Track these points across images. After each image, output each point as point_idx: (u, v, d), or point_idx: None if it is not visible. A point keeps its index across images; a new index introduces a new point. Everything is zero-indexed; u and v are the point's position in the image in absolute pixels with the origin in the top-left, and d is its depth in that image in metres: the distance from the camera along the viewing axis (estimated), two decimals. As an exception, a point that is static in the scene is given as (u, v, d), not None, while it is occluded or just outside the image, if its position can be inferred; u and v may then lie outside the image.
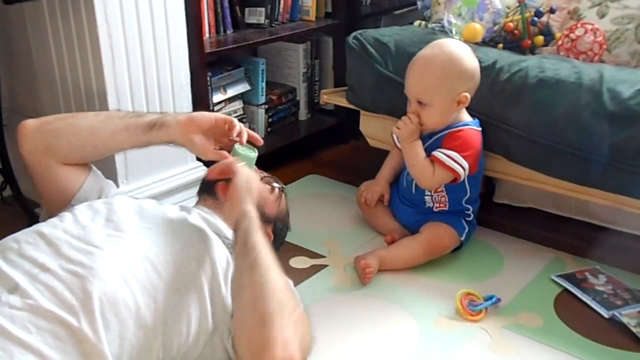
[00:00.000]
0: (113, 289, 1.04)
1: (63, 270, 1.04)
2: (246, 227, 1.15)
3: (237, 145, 1.54)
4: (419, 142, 1.72)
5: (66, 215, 1.19)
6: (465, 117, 1.74)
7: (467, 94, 1.66)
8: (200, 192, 1.54)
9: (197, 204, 1.48)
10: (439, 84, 1.64)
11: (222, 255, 1.21)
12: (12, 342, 0.93)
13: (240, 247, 1.13)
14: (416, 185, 1.78)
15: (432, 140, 1.73)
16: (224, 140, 1.35)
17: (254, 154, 1.54)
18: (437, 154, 1.69)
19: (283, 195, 1.58)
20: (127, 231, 1.16)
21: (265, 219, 1.50)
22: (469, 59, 1.66)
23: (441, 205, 1.78)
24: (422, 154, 1.71)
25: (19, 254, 1.08)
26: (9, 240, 1.13)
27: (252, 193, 1.24)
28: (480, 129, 1.73)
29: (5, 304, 0.98)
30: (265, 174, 1.58)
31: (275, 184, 1.57)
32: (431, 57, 1.67)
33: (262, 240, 1.13)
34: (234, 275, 1.15)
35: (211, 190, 1.48)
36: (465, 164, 1.67)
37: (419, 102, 1.68)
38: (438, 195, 1.78)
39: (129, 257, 1.11)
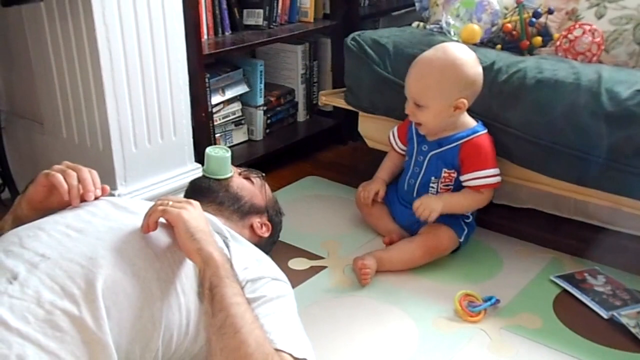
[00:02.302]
0: (114, 278, 1.04)
1: (64, 259, 1.04)
2: (210, 278, 1.07)
3: (208, 149, 1.55)
4: (444, 196, 1.73)
5: (67, 212, 1.19)
6: (469, 120, 1.74)
7: (465, 100, 1.65)
8: (186, 197, 1.54)
9: None
10: (436, 87, 1.64)
11: None
12: (11, 333, 0.93)
13: (207, 303, 1.07)
14: (419, 188, 1.79)
15: (444, 150, 1.73)
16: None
17: (227, 154, 1.55)
18: (473, 182, 1.71)
19: (265, 183, 1.61)
20: (129, 224, 1.16)
21: (257, 210, 1.53)
22: (472, 65, 1.65)
23: None
24: (457, 199, 1.73)
25: (20, 245, 1.08)
26: (10, 234, 1.13)
27: (201, 232, 1.12)
28: (486, 130, 1.74)
29: (5, 294, 0.98)
30: (242, 169, 1.60)
31: (253, 175, 1.60)
32: (432, 60, 1.66)
33: (230, 292, 1.06)
34: (206, 334, 1.09)
35: (196, 192, 1.49)
36: (497, 170, 1.71)
37: (416, 104, 1.68)
38: None
39: (129, 247, 1.11)
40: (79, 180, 1.20)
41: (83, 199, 1.21)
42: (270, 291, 1.20)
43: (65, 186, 1.18)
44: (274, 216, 1.61)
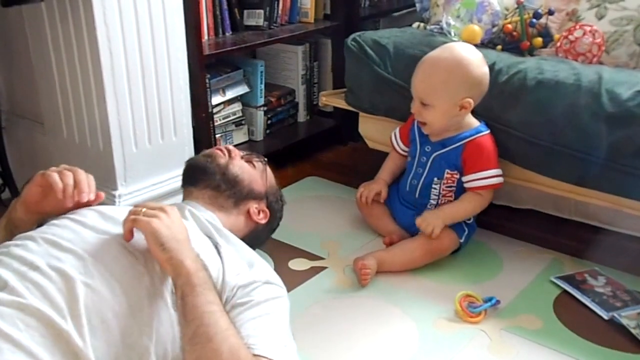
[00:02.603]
0: (100, 295, 1.03)
1: (52, 269, 1.03)
2: (182, 287, 1.06)
3: None
4: (445, 209, 1.73)
5: (55, 222, 1.18)
6: (472, 120, 1.74)
7: (471, 100, 1.65)
8: (183, 185, 1.51)
9: (185, 198, 1.48)
10: (442, 87, 1.64)
11: (211, 262, 1.18)
12: (2, 339, 0.93)
13: (179, 313, 1.06)
14: (421, 189, 1.79)
15: (447, 150, 1.73)
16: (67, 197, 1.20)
17: None
18: (475, 183, 1.71)
19: (267, 168, 1.58)
20: (116, 236, 1.15)
21: (255, 196, 1.50)
22: (478, 66, 1.65)
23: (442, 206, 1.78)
24: (457, 207, 1.73)
25: (7, 254, 1.07)
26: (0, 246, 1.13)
27: (173, 240, 1.10)
28: (489, 130, 1.73)
29: None
30: (245, 152, 1.57)
31: (256, 159, 1.56)
32: (439, 59, 1.66)
33: (201, 300, 1.04)
34: (181, 344, 1.09)
35: (192, 176, 1.47)
36: (499, 171, 1.72)
37: (422, 103, 1.68)
38: (445, 199, 1.78)
39: (117, 263, 1.09)
40: (75, 181, 1.20)
41: (77, 202, 1.20)
42: (259, 295, 1.19)
43: (60, 185, 1.17)
44: (274, 203, 1.57)
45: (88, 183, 1.22)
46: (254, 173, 1.53)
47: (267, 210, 1.53)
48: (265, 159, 1.61)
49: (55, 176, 1.18)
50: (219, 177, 1.45)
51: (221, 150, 1.52)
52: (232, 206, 1.45)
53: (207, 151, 1.54)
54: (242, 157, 1.54)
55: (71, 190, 1.19)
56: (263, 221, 1.51)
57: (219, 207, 1.43)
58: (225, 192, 1.44)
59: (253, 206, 1.49)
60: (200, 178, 1.45)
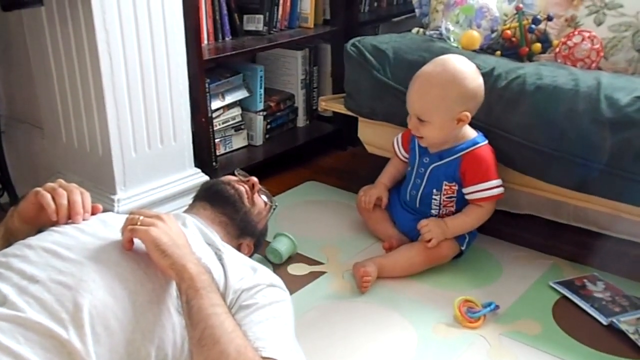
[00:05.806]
0: (104, 302, 1.02)
1: (53, 282, 1.02)
2: (186, 291, 1.05)
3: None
4: (449, 223, 1.72)
5: (56, 228, 1.17)
6: (470, 131, 1.73)
7: (468, 113, 1.64)
8: (199, 199, 1.53)
9: (192, 210, 1.48)
10: (438, 103, 1.63)
11: (214, 268, 1.18)
12: (2, 352, 0.92)
13: (186, 316, 1.06)
14: (420, 200, 1.79)
15: (445, 162, 1.72)
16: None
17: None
18: (476, 195, 1.71)
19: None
20: (118, 243, 1.14)
21: (253, 234, 1.53)
22: (472, 78, 1.63)
23: (445, 216, 1.77)
24: (460, 221, 1.73)
25: (7, 267, 1.06)
26: None
27: (173, 246, 1.09)
28: (486, 140, 1.73)
29: None
30: (262, 188, 1.59)
31: (268, 202, 1.60)
32: (433, 75, 1.64)
33: (206, 303, 1.04)
34: (189, 347, 1.09)
35: (215, 199, 1.48)
36: (499, 181, 1.71)
37: (419, 119, 1.68)
38: (446, 209, 1.78)
39: (120, 269, 1.09)
40: (69, 201, 1.18)
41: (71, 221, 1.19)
42: (263, 298, 1.19)
43: (53, 206, 1.16)
44: (261, 237, 1.61)
45: (83, 203, 1.20)
46: (265, 215, 1.57)
47: (252, 247, 1.56)
48: (276, 205, 1.65)
49: (48, 197, 1.16)
50: (240, 216, 1.48)
51: (245, 188, 1.54)
52: (235, 235, 1.48)
53: (235, 184, 1.54)
54: (257, 191, 1.57)
55: (64, 211, 1.17)
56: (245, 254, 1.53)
57: (225, 232, 1.44)
58: (236, 226, 1.47)
59: (245, 243, 1.52)
60: (223, 205, 1.47)
